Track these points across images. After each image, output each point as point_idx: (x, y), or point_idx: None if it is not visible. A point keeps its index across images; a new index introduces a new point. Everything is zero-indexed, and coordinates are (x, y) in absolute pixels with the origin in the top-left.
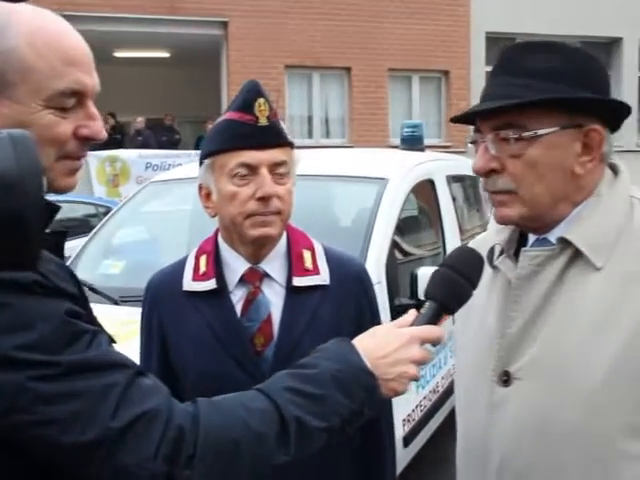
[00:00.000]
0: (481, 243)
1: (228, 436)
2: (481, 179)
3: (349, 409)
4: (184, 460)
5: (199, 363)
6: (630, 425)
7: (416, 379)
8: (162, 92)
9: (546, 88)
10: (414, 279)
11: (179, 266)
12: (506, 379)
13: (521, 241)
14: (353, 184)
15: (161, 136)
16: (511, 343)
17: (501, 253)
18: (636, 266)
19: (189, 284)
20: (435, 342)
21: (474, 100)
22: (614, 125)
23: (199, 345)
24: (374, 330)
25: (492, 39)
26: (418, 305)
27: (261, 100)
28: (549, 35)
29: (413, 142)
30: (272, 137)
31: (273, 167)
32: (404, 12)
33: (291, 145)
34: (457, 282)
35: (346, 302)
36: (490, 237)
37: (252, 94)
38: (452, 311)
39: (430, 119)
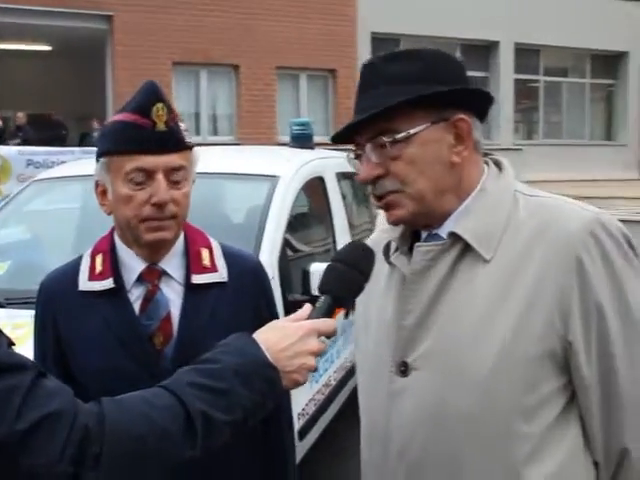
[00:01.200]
0: (378, 239)
1: (134, 434)
2: (369, 187)
3: (252, 401)
4: (90, 460)
5: (97, 363)
6: (522, 407)
7: (314, 370)
8: (46, 87)
9: (405, 91)
10: (306, 275)
11: (73, 266)
12: (404, 369)
13: (414, 237)
14: (244, 182)
15: (47, 132)
16: (408, 335)
17: (396, 249)
18: (521, 257)
19: (85, 284)
20: (330, 335)
21: None
22: (480, 114)
23: (97, 345)
24: (273, 324)
25: (378, 39)
26: (311, 300)
27: (159, 105)
28: (431, 37)
29: (302, 140)
30: (170, 143)
31: (170, 172)
32: (292, 10)
33: (190, 148)
34: (351, 276)
35: (244, 298)
36: (386, 234)
37: (150, 98)
38: (345, 304)
39: (318, 117)
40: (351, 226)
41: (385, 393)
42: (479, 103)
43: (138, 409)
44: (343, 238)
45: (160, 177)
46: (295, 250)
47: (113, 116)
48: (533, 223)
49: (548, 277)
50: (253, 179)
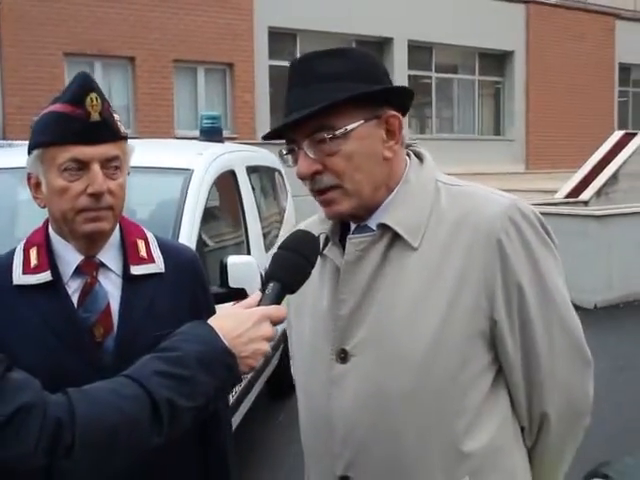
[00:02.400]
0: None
1: (104, 424)
2: (306, 182)
3: (213, 387)
4: (63, 451)
5: (36, 358)
6: (457, 384)
7: (267, 355)
8: None
9: (338, 88)
10: (224, 268)
11: (5, 260)
12: (343, 356)
13: (343, 228)
14: (158, 175)
15: None
16: (345, 324)
17: (327, 241)
18: (447, 244)
19: (20, 278)
20: (281, 321)
21: (259, 92)
22: (403, 110)
23: (35, 339)
24: (226, 311)
25: (274, 34)
26: (229, 293)
27: (93, 95)
28: (327, 32)
29: (212, 133)
30: (104, 133)
31: (105, 162)
32: (188, 2)
33: (125, 138)
34: (298, 262)
35: (182, 289)
36: (315, 226)
37: (84, 88)
38: (293, 290)
39: (216, 111)
40: (261, 219)
41: (325, 380)
42: (404, 100)
43: (107, 400)
44: (254, 230)
45: (96, 167)
46: (209, 243)
47: (46, 107)
48: (455, 211)
49: (473, 261)
50: (167, 172)
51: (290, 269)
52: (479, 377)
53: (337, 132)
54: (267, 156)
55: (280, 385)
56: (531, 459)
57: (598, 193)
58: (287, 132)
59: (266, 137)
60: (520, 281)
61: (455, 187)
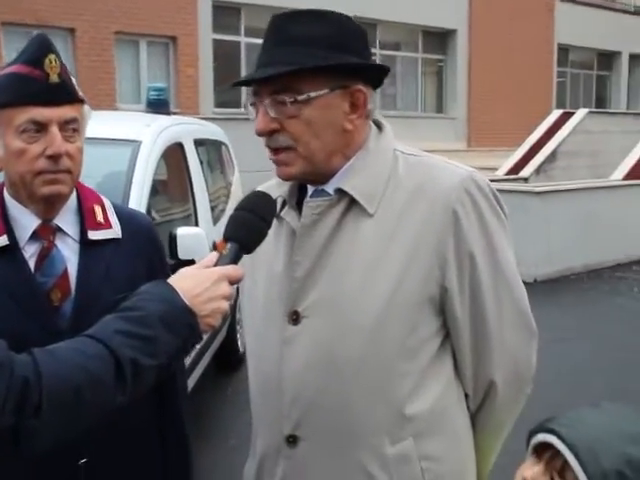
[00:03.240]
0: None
1: (70, 384)
2: (264, 139)
3: (175, 346)
4: (30, 411)
5: None
6: (405, 348)
7: (226, 314)
8: None
9: (312, 54)
10: (173, 239)
11: None
12: (295, 318)
13: (301, 192)
14: (105, 147)
15: None
16: (298, 285)
17: (283, 205)
18: (402, 212)
19: None
20: (238, 280)
21: (202, 67)
22: (376, 84)
23: None
24: (184, 272)
25: (218, 7)
26: (179, 264)
27: (52, 56)
28: (271, 7)
29: (159, 106)
30: (63, 94)
31: (63, 125)
32: None
33: (82, 102)
34: (254, 223)
35: (138, 255)
36: (272, 189)
37: (42, 49)
38: (250, 250)
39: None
40: (209, 192)
41: (277, 341)
42: (377, 75)
43: (72, 359)
44: (202, 204)
45: (54, 129)
46: (157, 216)
47: (4, 69)
48: (413, 180)
49: (427, 230)
50: (114, 144)
51: (247, 229)
52: (426, 342)
53: (299, 97)
54: (214, 130)
55: (228, 358)
56: (474, 424)
57: (537, 170)
58: (253, 85)
59: (236, 84)
60: (472, 251)
61: (413, 157)
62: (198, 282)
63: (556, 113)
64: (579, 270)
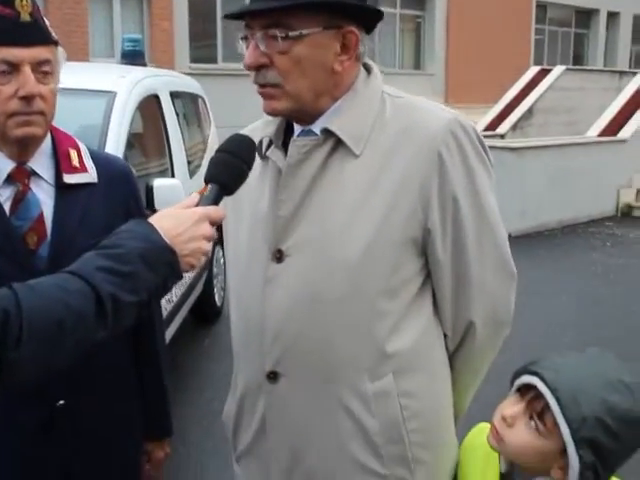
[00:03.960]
0: (252, 136)
1: (51, 317)
2: (251, 73)
3: (155, 284)
4: (11, 343)
5: None
6: (387, 287)
7: (207, 254)
8: None
9: None
10: (150, 190)
11: None
12: (279, 256)
13: (287, 133)
14: (79, 98)
15: None
16: (282, 224)
17: (269, 145)
18: (388, 153)
19: None
20: (219, 221)
21: (178, 21)
22: (369, 27)
23: None
24: (165, 212)
25: None
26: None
27: None
28: None
29: (134, 57)
30: (35, 34)
31: (36, 66)
32: None
33: (56, 43)
34: (235, 164)
35: (115, 200)
36: (258, 130)
37: None
38: (231, 191)
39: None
40: (185, 146)
41: (260, 280)
42: (371, 18)
43: (52, 294)
44: (179, 157)
45: (27, 70)
46: (134, 169)
47: None
48: (399, 122)
49: (412, 171)
50: (88, 95)
51: (227, 171)
52: (408, 283)
53: (291, 33)
54: (190, 82)
55: (205, 312)
56: (452, 364)
57: (514, 127)
58: (246, 18)
59: (227, 17)
60: (456, 193)
61: (400, 99)
62: (179, 222)
63: (533, 70)
64: (553, 226)
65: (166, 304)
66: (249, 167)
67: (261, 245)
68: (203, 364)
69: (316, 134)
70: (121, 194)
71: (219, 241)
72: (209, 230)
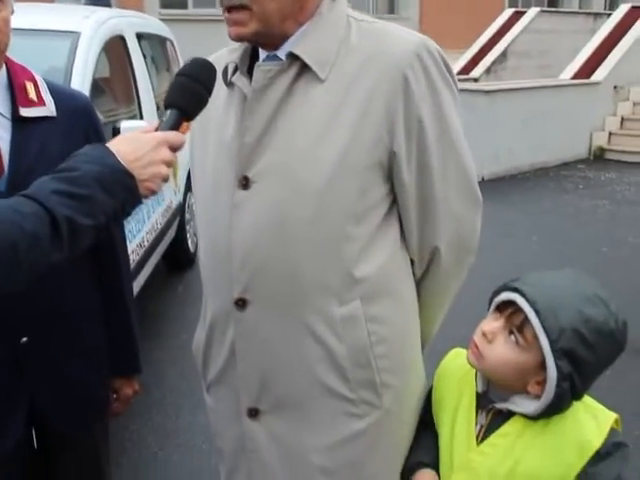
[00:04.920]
0: (216, 62)
1: (5, 240)
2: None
3: (113, 207)
4: None
5: None
6: (354, 212)
7: (166, 179)
8: None
9: None
10: (117, 132)
11: None
12: (245, 183)
13: (253, 59)
14: (42, 39)
15: None
16: (248, 151)
17: (235, 71)
18: (354, 77)
19: None
20: (179, 146)
21: None
22: None
23: None
24: (123, 136)
25: None
26: None
27: None
28: None
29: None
30: None
31: None
32: None
33: None
34: (194, 88)
35: (75, 134)
36: (223, 57)
37: None
38: (191, 117)
39: None
40: (154, 90)
41: (227, 207)
42: None
43: (8, 217)
44: (147, 102)
45: None
46: (100, 114)
47: None
48: (365, 46)
49: (378, 94)
50: (51, 36)
51: (187, 95)
52: (375, 208)
53: None
54: (157, 24)
55: (178, 258)
56: (419, 291)
57: (487, 70)
58: None
59: None
60: (421, 115)
61: (366, 23)
62: (137, 146)
63: (507, 12)
64: (526, 169)
65: (137, 249)
66: (209, 92)
67: (227, 172)
68: (177, 310)
69: (281, 59)
70: (81, 128)
71: (190, 187)
72: (168, 155)
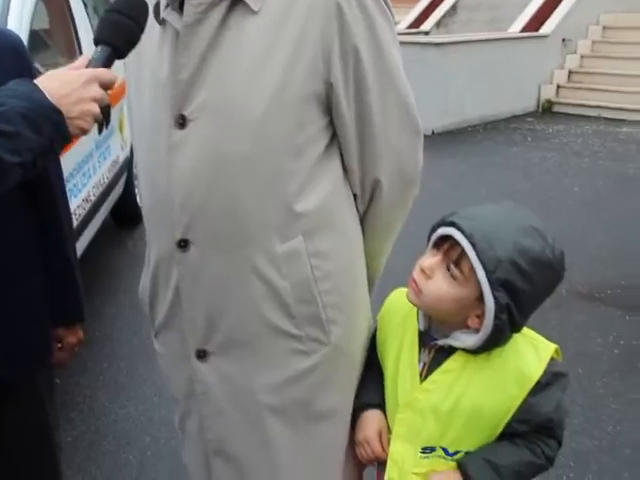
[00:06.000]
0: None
1: None
2: None
3: (40, 145)
4: None
5: None
6: (292, 146)
7: (98, 118)
8: None
9: None
10: None
11: None
12: (182, 122)
13: None
14: None
15: None
16: (184, 88)
17: (166, 7)
18: (287, 7)
19: None
20: (110, 84)
21: None
22: None
23: None
24: (51, 73)
25: None
26: None
27: None
28: None
29: None
30: None
31: None
32: None
33: None
34: (126, 24)
35: (6, 75)
36: None
37: None
38: (123, 54)
39: None
40: None
41: (164, 147)
42: None
43: None
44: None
45: None
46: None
47: None
48: None
49: (311, 24)
50: None
51: (117, 31)
52: (314, 141)
53: None
54: None
55: (127, 214)
56: (364, 227)
57: (438, 24)
58: None
59: None
60: (357, 44)
61: None
62: (66, 83)
63: None
64: (476, 122)
65: (84, 204)
66: (141, 29)
67: (163, 112)
68: (127, 266)
69: None
70: (13, 69)
71: None
72: (99, 92)
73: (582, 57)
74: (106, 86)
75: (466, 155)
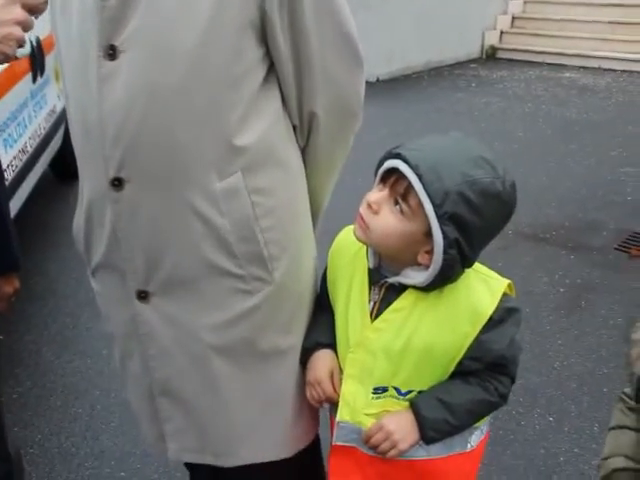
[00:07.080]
0: None
1: None
2: None
3: None
4: None
5: None
6: (229, 76)
7: (21, 43)
8: None
9: None
10: None
11: None
12: (112, 53)
13: None
14: None
15: None
16: (111, 16)
17: None
18: None
19: None
20: (36, 7)
21: None
22: None
23: None
24: None
25: None
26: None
27: None
28: None
29: None
30: None
31: None
32: None
33: None
34: None
35: None
36: None
37: None
38: None
39: None
40: None
41: (94, 79)
42: None
43: None
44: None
45: None
46: None
47: None
48: None
49: None
50: None
51: None
52: (251, 71)
53: None
54: None
55: (66, 166)
56: (306, 162)
57: None
58: None
59: None
60: None
61: None
62: None
63: None
64: (420, 68)
65: (20, 155)
66: None
67: (91, 42)
68: (69, 220)
69: None
70: None
71: None
72: (21, 14)
73: (525, 2)
74: (32, 9)
75: (411, 101)
